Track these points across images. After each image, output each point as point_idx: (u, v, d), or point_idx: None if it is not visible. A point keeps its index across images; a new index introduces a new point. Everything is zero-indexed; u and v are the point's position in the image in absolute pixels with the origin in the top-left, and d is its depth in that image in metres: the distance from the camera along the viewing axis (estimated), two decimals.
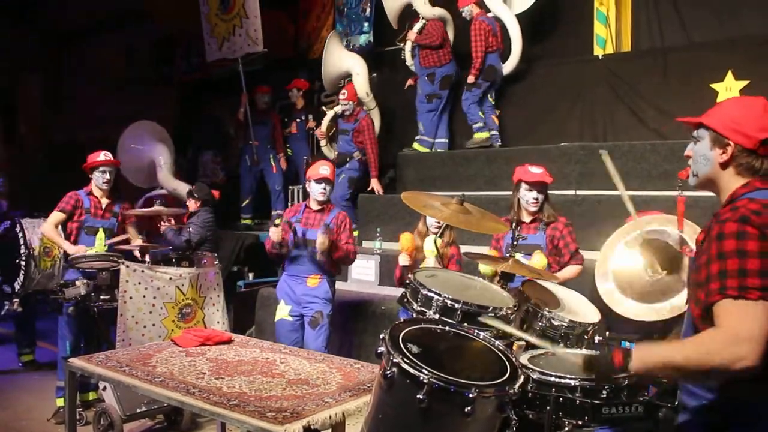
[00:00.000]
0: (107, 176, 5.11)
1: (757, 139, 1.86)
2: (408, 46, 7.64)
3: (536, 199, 4.09)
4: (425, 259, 4.21)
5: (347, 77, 8.02)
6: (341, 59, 8.13)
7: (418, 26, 7.52)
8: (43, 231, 5.13)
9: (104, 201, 5.15)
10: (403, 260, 4.22)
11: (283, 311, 4.84)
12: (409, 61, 7.72)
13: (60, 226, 5.06)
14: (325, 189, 4.74)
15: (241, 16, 7.84)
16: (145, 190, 8.28)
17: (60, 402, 4.83)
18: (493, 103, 7.33)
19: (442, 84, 7.42)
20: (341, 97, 7.28)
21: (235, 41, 7.97)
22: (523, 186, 4.13)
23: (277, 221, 4.75)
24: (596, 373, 1.96)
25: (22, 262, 5.37)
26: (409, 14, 7.77)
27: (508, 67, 7.35)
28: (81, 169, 5.21)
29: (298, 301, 4.80)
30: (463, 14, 7.32)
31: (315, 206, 4.80)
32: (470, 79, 7.10)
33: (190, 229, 5.52)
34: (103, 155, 5.16)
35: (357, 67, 7.92)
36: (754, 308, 1.68)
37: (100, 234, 5.06)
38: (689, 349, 1.76)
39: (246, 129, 8.22)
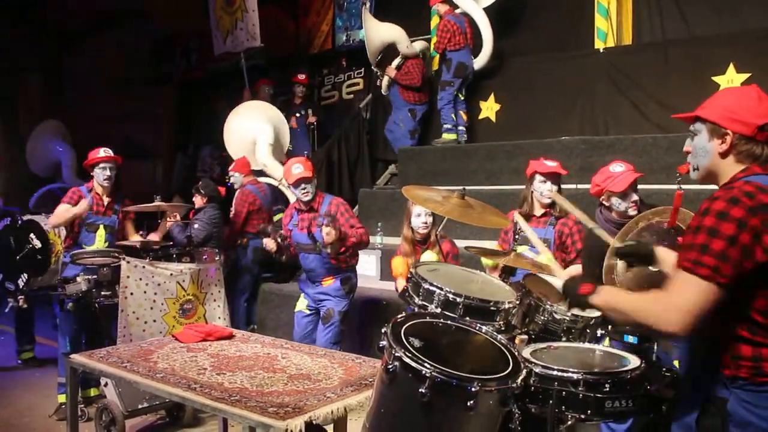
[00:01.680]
0: (108, 173, 5.10)
1: (755, 125, 1.88)
2: (386, 80, 7.72)
3: (551, 190, 4.09)
4: None
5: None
6: (249, 128, 7.40)
7: (397, 62, 7.58)
8: (55, 221, 5.08)
9: (106, 198, 5.15)
10: (401, 285, 4.21)
11: (301, 304, 4.94)
12: (384, 91, 7.83)
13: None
14: (305, 189, 4.66)
15: (242, 10, 7.81)
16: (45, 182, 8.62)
17: (62, 398, 4.82)
18: (462, 99, 7.48)
19: (419, 120, 7.78)
20: (230, 168, 6.60)
21: (237, 35, 7.96)
22: (538, 178, 4.14)
23: (267, 230, 4.76)
24: (568, 297, 2.23)
25: (30, 257, 5.38)
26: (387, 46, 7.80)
27: (479, 62, 7.50)
28: (82, 166, 5.21)
29: (313, 298, 4.86)
30: (433, 12, 7.59)
31: (304, 207, 4.77)
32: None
33: (195, 225, 5.52)
34: (103, 152, 5.15)
35: (263, 135, 7.26)
36: (698, 284, 1.76)
37: (101, 231, 5.06)
38: (637, 302, 1.93)
39: None
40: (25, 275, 5.36)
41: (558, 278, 3.31)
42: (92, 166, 5.13)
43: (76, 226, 5.07)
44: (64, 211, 4.97)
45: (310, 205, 4.75)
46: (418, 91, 7.66)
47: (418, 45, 7.86)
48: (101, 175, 5.09)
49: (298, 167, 4.64)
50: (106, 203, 5.15)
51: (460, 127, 7.45)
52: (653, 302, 1.85)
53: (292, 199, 6.32)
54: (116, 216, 5.20)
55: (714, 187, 2.00)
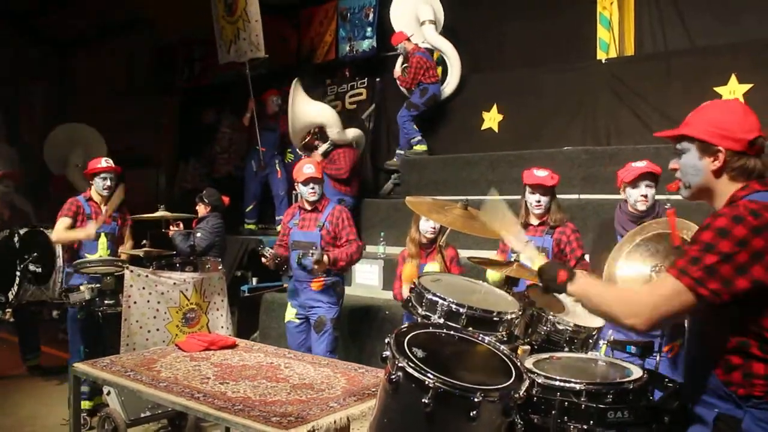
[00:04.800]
0: (108, 182, 5.16)
1: (745, 140, 1.86)
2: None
3: (538, 201, 4.13)
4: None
5: None
6: None
7: (324, 148, 7.20)
8: (56, 239, 5.13)
9: (104, 207, 5.18)
10: (407, 292, 4.24)
11: (290, 314, 4.93)
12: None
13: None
14: (313, 189, 4.75)
15: (243, 20, 7.74)
16: None
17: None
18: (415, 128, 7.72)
19: None
20: None
21: (240, 45, 7.90)
22: (527, 189, 4.19)
23: (263, 251, 4.78)
24: (543, 282, 2.15)
25: (17, 273, 5.37)
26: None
27: (449, 89, 7.76)
28: (82, 175, 5.24)
29: (302, 305, 4.84)
30: (398, 50, 7.64)
31: (308, 207, 4.83)
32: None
33: (198, 234, 5.53)
34: (104, 161, 5.21)
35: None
36: (675, 286, 1.75)
37: (102, 239, 5.09)
38: (608, 293, 1.93)
39: (252, 134, 8.18)
40: (15, 288, 5.35)
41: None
42: (93, 175, 5.18)
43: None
44: (66, 231, 5.01)
45: (314, 206, 4.80)
46: (347, 184, 7.22)
47: (351, 133, 7.37)
48: (101, 185, 5.15)
49: (310, 167, 4.76)
50: (104, 212, 5.18)
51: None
52: (623, 295, 1.88)
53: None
54: (116, 223, 5.25)
55: None
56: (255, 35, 7.71)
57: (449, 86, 7.79)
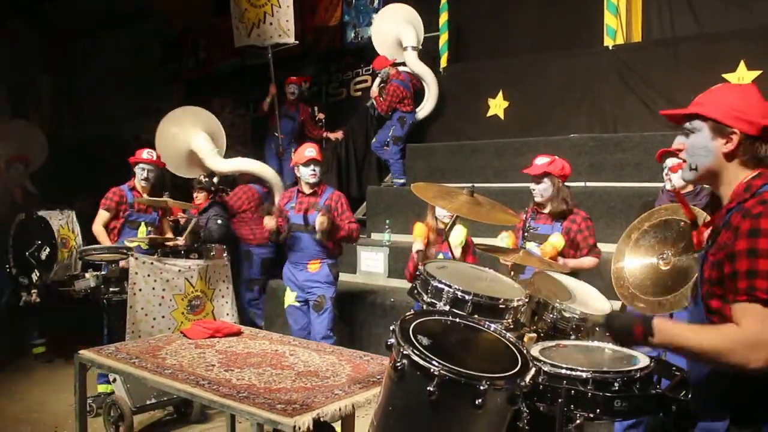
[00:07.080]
0: (145, 174, 5.25)
1: (760, 125, 1.80)
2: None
3: (533, 189, 4.12)
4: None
5: None
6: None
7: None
8: (94, 231, 5.20)
9: (146, 196, 5.24)
10: (418, 246, 4.22)
11: (289, 298, 4.97)
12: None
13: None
14: (314, 170, 4.78)
15: (272, 4, 7.68)
16: None
17: (101, 388, 4.86)
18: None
19: None
20: None
21: (265, 29, 7.80)
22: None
23: (271, 209, 4.84)
24: (614, 336, 2.01)
25: (42, 254, 5.44)
26: None
27: (425, 111, 7.90)
28: (88, 164, 5.26)
29: (301, 287, 4.90)
30: (380, 75, 7.65)
31: (307, 190, 4.86)
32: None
33: (219, 221, 5.54)
34: (146, 153, 5.30)
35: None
36: None
37: (142, 228, 5.19)
38: (709, 339, 1.73)
39: (272, 120, 8.10)
40: (37, 271, 5.43)
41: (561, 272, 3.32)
42: (134, 164, 5.27)
43: (119, 223, 5.20)
44: (102, 230, 5.13)
45: (313, 189, 4.84)
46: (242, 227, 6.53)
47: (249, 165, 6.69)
48: (139, 175, 5.26)
49: (312, 150, 4.80)
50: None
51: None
52: (728, 340, 1.69)
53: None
54: (156, 213, 5.34)
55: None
56: (285, 20, 7.68)
57: (423, 111, 7.90)
